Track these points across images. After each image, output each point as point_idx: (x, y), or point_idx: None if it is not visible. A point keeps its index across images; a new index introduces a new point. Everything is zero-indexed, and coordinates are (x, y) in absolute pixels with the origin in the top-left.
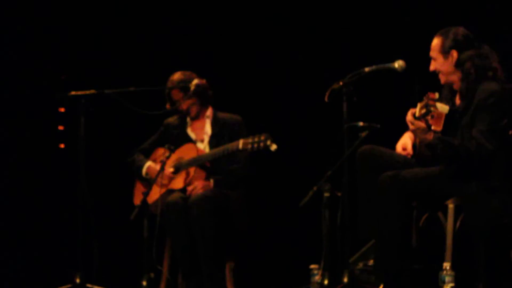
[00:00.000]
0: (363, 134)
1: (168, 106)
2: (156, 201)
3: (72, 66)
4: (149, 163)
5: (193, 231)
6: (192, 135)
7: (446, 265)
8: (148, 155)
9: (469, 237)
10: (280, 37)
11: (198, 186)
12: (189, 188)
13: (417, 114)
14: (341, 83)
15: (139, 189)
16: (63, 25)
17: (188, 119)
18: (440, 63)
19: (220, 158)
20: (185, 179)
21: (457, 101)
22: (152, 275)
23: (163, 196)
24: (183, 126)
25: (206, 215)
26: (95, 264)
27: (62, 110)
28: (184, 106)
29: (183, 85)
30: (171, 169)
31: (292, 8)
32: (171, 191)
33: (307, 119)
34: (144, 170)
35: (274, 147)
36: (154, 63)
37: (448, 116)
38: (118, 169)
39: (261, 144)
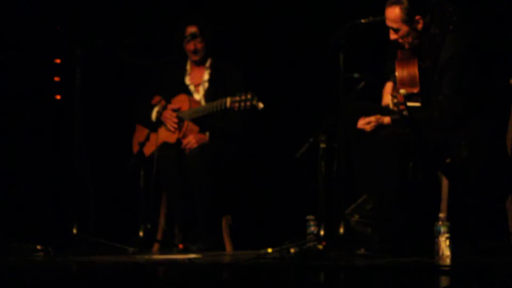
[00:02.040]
0: (360, 85)
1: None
2: (153, 153)
3: (68, 16)
4: (157, 108)
5: (190, 184)
6: (189, 84)
7: (442, 216)
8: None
9: (464, 188)
10: None
11: (193, 140)
12: (184, 141)
13: (391, 107)
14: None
15: (138, 137)
16: None
17: (188, 67)
18: (405, 31)
19: (212, 112)
20: (179, 132)
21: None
22: (148, 226)
23: (158, 149)
24: (181, 74)
25: (204, 168)
26: (92, 215)
27: (58, 61)
28: (194, 46)
29: (204, 30)
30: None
31: None
32: (165, 144)
33: (304, 71)
34: (154, 115)
35: (261, 105)
36: (149, 13)
37: (421, 75)
38: (115, 120)
39: (248, 103)
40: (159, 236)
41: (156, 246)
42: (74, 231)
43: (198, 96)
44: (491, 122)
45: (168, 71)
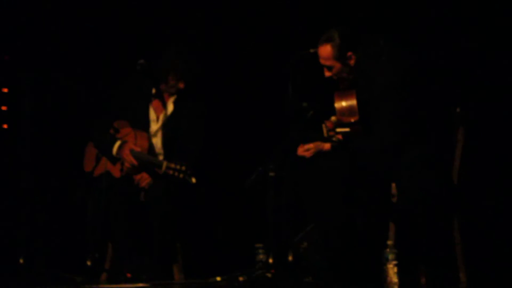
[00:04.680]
0: (309, 114)
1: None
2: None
3: (16, 46)
4: (118, 143)
5: (150, 217)
6: (151, 112)
7: (390, 243)
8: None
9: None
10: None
11: (146, 175)
12: (137, 177)
13: (325, 134)
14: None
15: (90, 155)
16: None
17: (153, 91)
18: (339, 68)
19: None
20: (121, 168)
21: None
22: (96, 255)
23: (104, 180)
24: (146, 100)
25: (163, 201)
26: (39, 245)
27: (5, 90)
28: (175, 82)
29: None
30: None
31: None
32: (109, 175)
33: (254, 99)
34: (115, 150)
35: (193, 181)
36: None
37: (360, 104)
38: (63, 148)
39: (181, 175)
40: (107, 265)
41: (104, 275)
42: (21, 260)
43: (156, 126)
44: (432, 149)
45: (132, 93)
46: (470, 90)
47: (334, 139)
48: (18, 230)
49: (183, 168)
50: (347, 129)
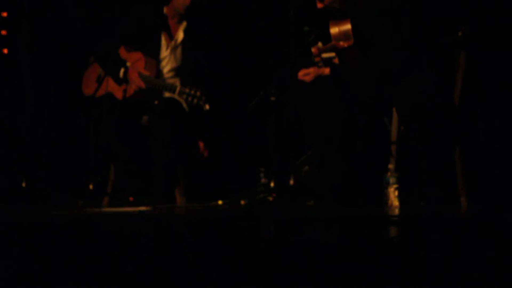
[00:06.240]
0: (310, 39)
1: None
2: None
3: None
4: (126, 66)
5: (154, 149)
6: (161, 38)
7: (391, 166)
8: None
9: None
10: None
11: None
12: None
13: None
14: None
15: (90, 78)
16: None
17: (167, 22)
18: None
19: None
20: (125, 90)
21: None
22: (99, 179)
23: (105, 99)
24: (156, 26)
25: (167, 137)
26: (41, 168)
27: (5, 14)
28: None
29: None
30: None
31: None
32: (111, 96)
33: (254, 23)
34: (122, 72)
35: (207, 107)
36: None
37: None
38: (63, 72)
39: (195, 100)
40: (109, 189)
41: (106, 199)
42: (23, 184)
43: (165, 52)
44: (433, 74)
45: (141, 18)
46: (472, 13)
47: (320, 64)
48: (20, 154)
49: (198, 93)
50: (332, 54)
